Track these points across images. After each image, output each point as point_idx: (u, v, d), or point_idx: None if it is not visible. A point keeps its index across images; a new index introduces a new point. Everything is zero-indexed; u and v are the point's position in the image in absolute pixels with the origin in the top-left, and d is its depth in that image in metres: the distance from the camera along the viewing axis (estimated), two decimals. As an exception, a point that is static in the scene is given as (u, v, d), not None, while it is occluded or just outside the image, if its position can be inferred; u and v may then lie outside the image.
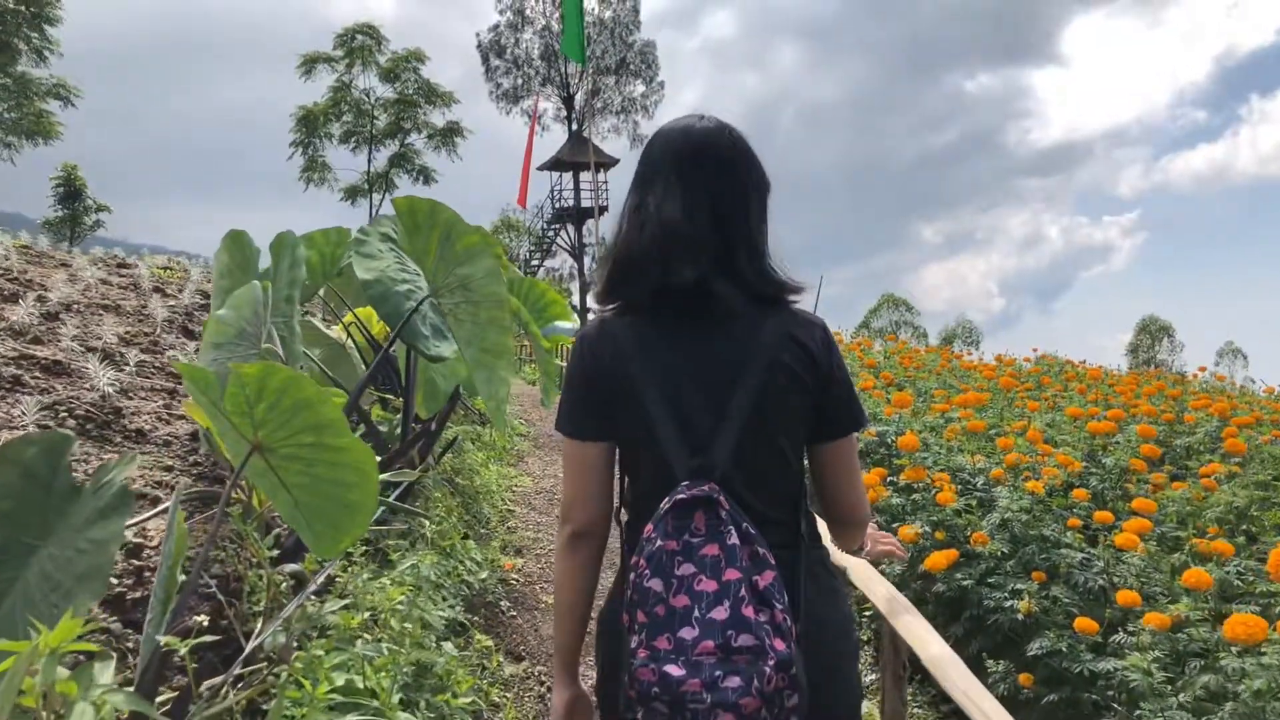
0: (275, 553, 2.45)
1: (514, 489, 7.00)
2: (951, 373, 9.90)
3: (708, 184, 1.56)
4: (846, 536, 1.71)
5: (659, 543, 1.40)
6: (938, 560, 3.85)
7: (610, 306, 1.61)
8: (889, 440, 5.25)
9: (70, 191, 31.52)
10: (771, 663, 1.31)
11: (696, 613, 1.35)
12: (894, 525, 4.73)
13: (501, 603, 4.68)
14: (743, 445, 1.48)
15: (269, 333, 3.13)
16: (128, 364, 4.34)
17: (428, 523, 4.32)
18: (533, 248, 42.17)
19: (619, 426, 1.55)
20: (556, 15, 43.39)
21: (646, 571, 1.39)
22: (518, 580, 5.12)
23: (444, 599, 3.84)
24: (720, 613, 1.34)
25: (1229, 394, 9.64)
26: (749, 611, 1.34)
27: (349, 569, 3.01)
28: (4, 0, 27.55)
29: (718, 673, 1.31)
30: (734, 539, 1.38)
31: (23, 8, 27.83)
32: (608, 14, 43.93)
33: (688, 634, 1.34)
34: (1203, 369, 13.30)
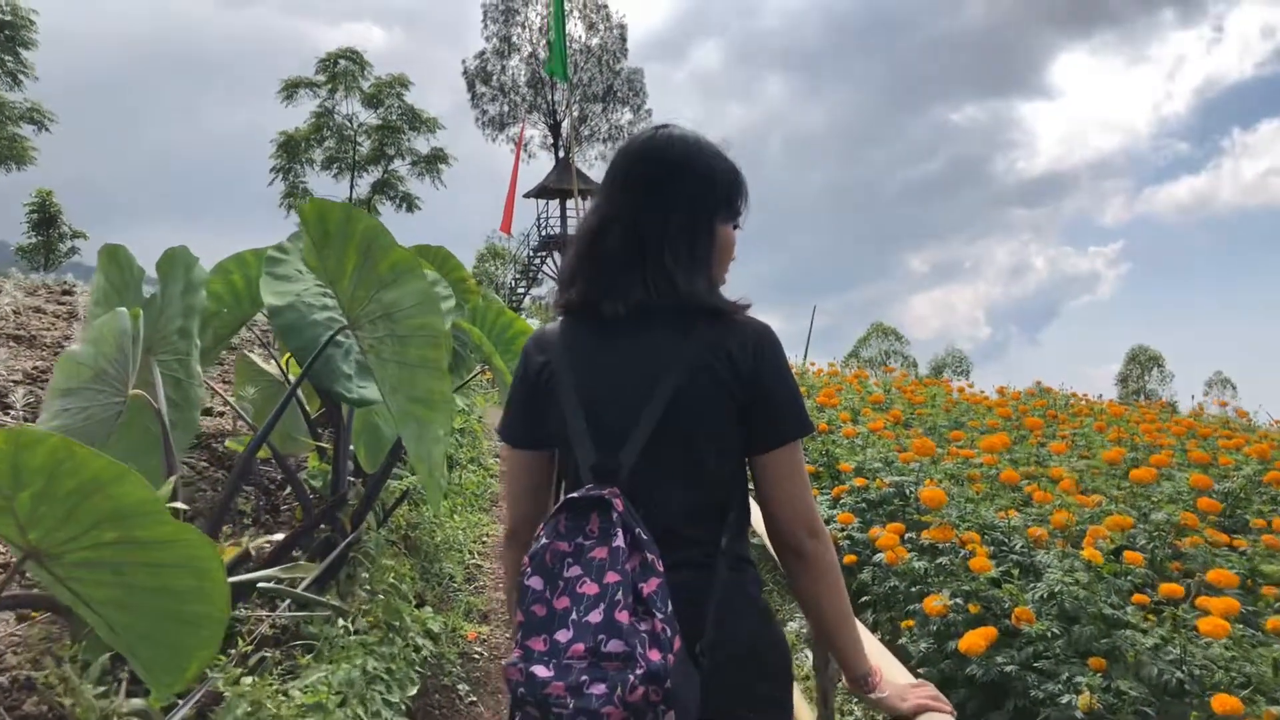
0: (108, 685, 1.77)
1: (485, 539, 6.32)
2: (961, 409, 9.29)
3: (629, 198, 1.54)
4: (799, 570, 1.53)
5: (543, 540, 1.38)
6: (974, 641, 3.20)
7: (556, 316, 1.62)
8: (908, 492, 4.61)
9: (45, 218, 30.82)
10: (640, 671, 1.25)
11: (574, 615, 1.31)
12: (915, 589, 4.09)
13: (460, 686, 4.00)
14: (652, 451, 1.45)
15: (151, 375, 2.47)
16: (13, 405, 3.67)
17: (379, 596, 3.65)
18: (518, 275, 41.59)
19: (547, 430, 1.55)
20: (543, 43, 43.15)
21: (528, 569, 1.37)
22: (480, 655, 4.44)
23: (386, 690, 3.18)
24: (595, 616, 1.29)
25: (1268, 433, 8.99)
26: (623, 616, 1.28)
27: (242, 679, 2.33)
28: (-23, 23, 26.99)
29: (583, 678, 1.26)
30: (619, 541, 1.34)
31: (-4, 31, 27.26)
32: (595, 41, 43.69)
33: (562, 636, 1.30)
34: (1223, 403, 12.72)
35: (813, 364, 14.00)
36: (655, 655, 1.27)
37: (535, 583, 1.36)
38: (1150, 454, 6.51)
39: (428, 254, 5.25)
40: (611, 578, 1.32)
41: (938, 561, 3.92)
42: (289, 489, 3.94)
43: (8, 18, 27.15)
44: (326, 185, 33.82)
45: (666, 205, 1.54)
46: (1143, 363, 64.46)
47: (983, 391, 12.95)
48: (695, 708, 1.32)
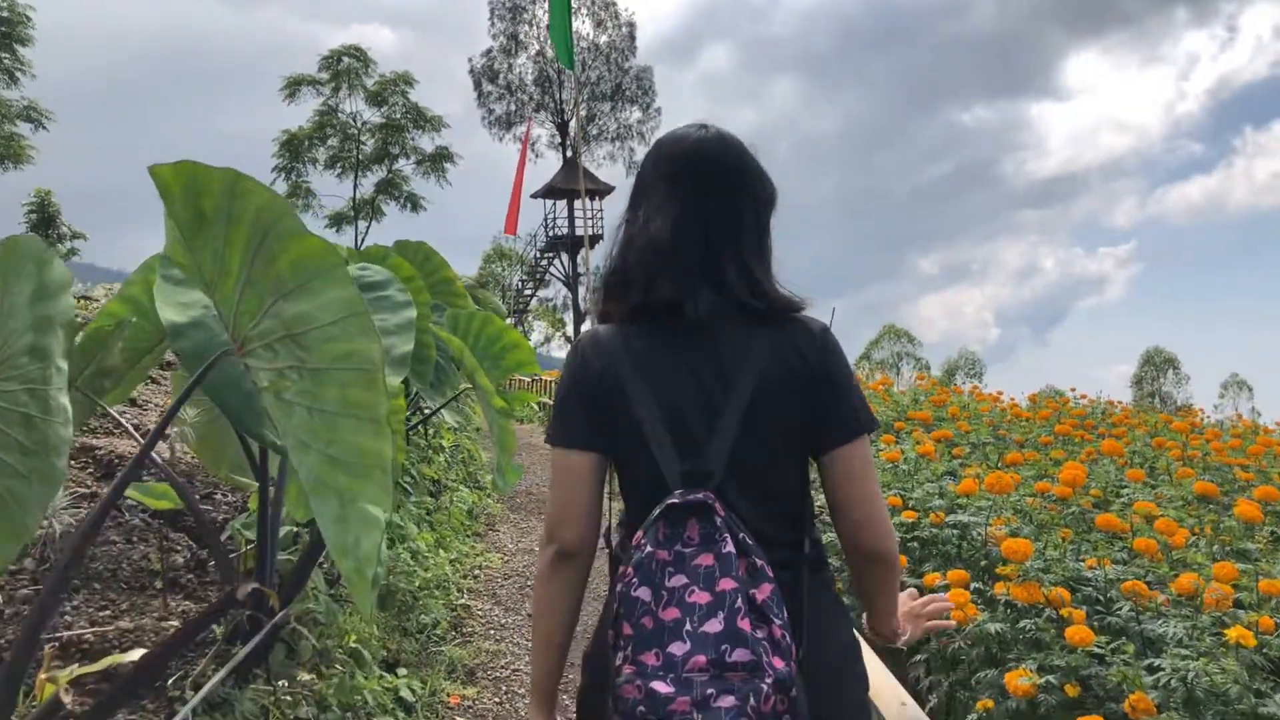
0: None
1: (476, 573, 5.60)
2: (995, 415, 8.56)
3: (699, 198, 1.51)
4: (872, 574, 1.51)
5: (648, 549, 1.32)
6: (1080, 738, 2.49)
7: (600, 320, 1.57)
8: (976, 535, 3.88)
9: (44, 218, 30.26)
10: (769, 680, 1.23)
11: (688, 626, 1.25)
12: (989, 654, 3.36)
13: (435, 773, 3.29)
14: (737, 453, 1.41)
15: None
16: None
17: (335, 668, 2.94)
18: (525, 277, 40.95)
19: (610, 436, 1.47)
20: (550, 41, 42.37)
21: (634, 580, 1.30)
22: (464, 727, 3.73)
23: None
24: (714, 625, 1.25)
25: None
26: (745, 625, 1.25)
27: None
28: (-28, 20, 26.44)
29: (710, 690, 1.21)
30: (729, 547, 1.30)
31: (-8, 27, 26.70)
32: (603, 39, 43.05)
33: (678, 649, 1.24)
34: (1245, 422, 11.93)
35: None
36: (779, 663, 1.25)
37: (644, 594, 1.29)
38: (1225, 478, 5.78)
39: (407, 250, 4.54)
40: (726, 584, 1.28)
41: (1020, 627, 3.19)
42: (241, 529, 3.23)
43: (4, 14, 26.58)
44: (330, 184, 33.24)
45: (737, 205, 1.52)
46: (1158, 364, 63.68)
47: (1013, 399, 12.21)
48: (807, 717, 1.28)
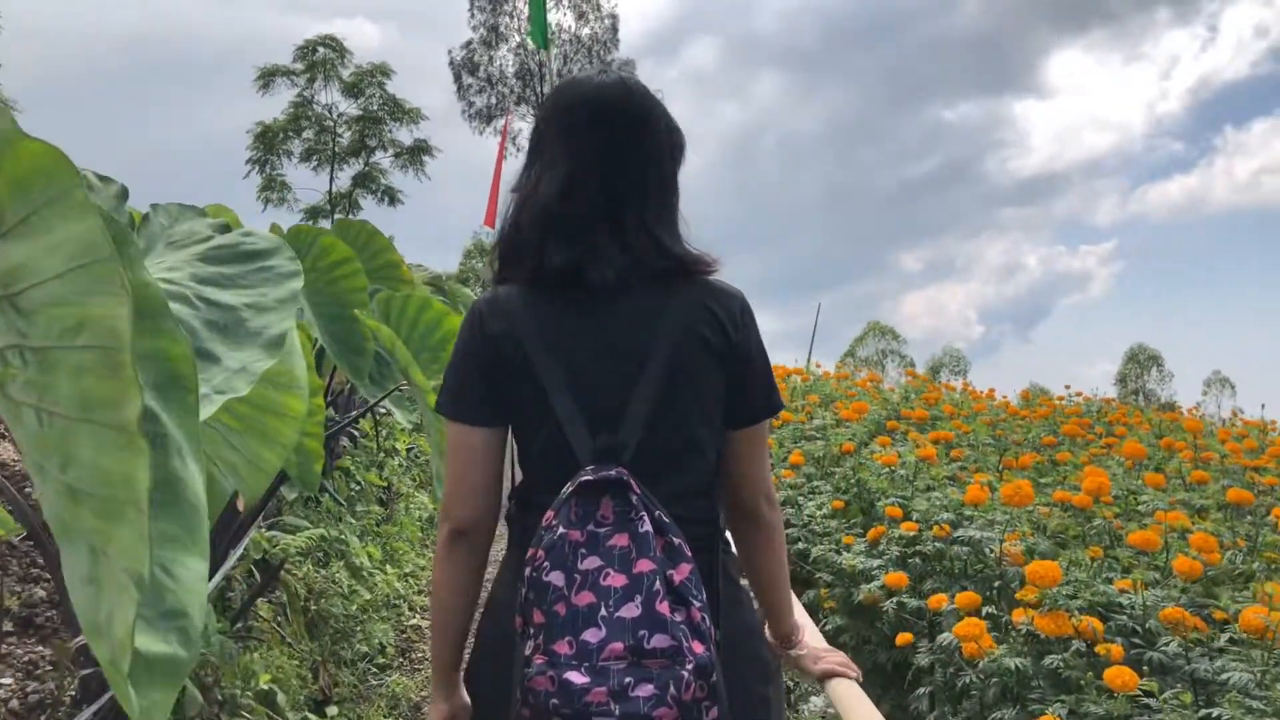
0: None
1: (427, 591, 5.11)
2: (992, 413, 8.12)
3: (598, 150, 1.41)
4: (753, 539, 1.51)
5: (560, 530, 1.24)
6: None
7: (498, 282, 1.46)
8: (988, 551, 3.40)
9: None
10: (690, 667, 1.17)
11: (603, 611, 1.18)
12: (1008, 689, 2.90)
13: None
14: (653, 425, 1.34)
15: None
16: None
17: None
18: (506, 273, 40.32)
19: (511, 406, 1.40)
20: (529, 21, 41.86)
21: (545, 564, 1.22)
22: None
23: None
24: (631, 610, 1.18)
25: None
26: (664, 608, 1.19)
27: None
28: (-68, 5, 25.69)
29: (627, 679, 1.15)
30: (646, 526, 1.24)
31: (-45, 14, 25.95)
32: (585, 32, 42.54)
33: (592, 636, 1.17)
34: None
35: (818, 365, 12.83)
36: (699, 648, 1.20)
37: (556, 578, 1.21)
38: (1239, 481, 5.36)
39: (346, 231, 4.04)
40: (643, 566, 1.21)
41: (1046, 663, 2.73)
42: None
43: (-34, 1, 25.78)
44: (305, 177, 32.57)
45: (642, 158, 1.43)
46: (1141, 362, 63.81)
47: (1005, 397, 11.78)
48: (725, 703, 1.22)
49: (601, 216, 1.39)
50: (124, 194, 2.01)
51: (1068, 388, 12.38)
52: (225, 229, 2.03)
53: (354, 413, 4.33)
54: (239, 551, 2.67)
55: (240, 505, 2.19)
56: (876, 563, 3.95)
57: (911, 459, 4.38)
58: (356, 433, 4.72)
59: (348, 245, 3.93)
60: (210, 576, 2.64)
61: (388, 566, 4.34)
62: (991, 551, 3.34)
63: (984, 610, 3.17)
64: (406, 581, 4.90)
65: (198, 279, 1.66)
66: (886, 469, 4.54)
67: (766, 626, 1.60)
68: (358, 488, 4.55)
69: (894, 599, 3.58)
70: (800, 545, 4.83)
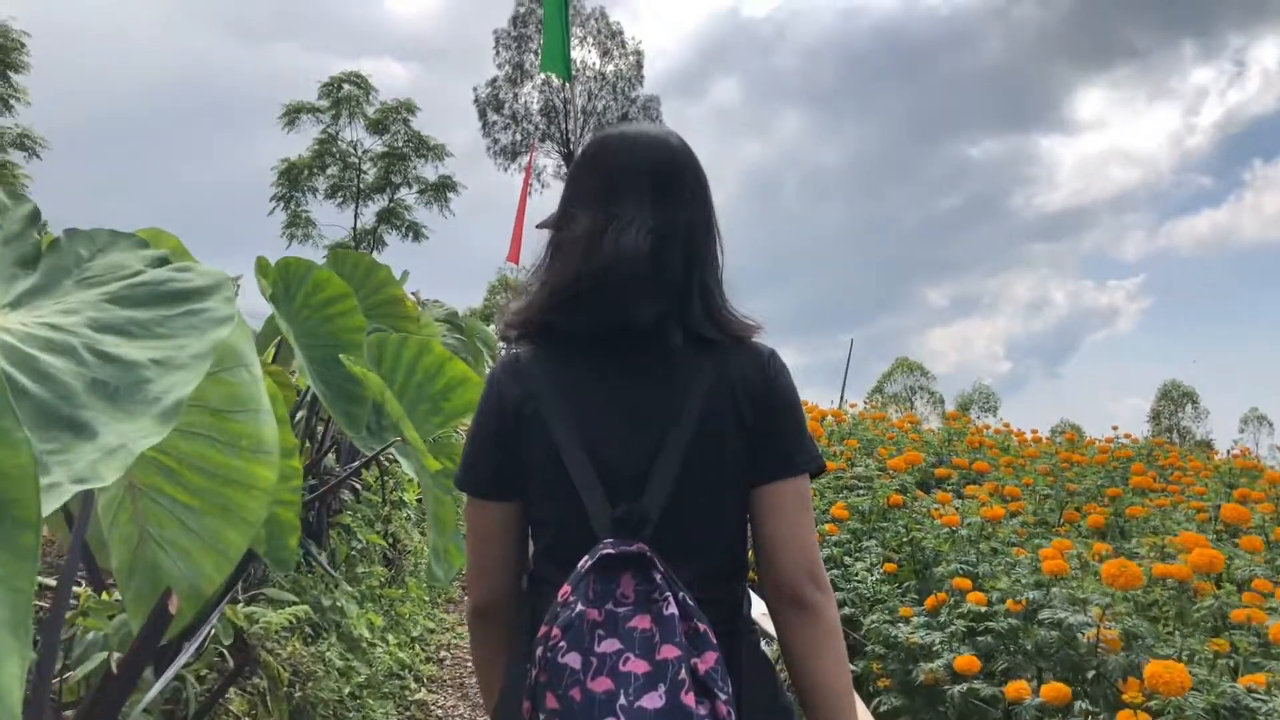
0: None
1: (445, 655, 4.65)
2: (1046, 459, 7.61)
3: (645, 203, 1.32)
4: (793, 626, 1.29)
5: (579, 608, 1.14)
6: None
7: (517, 341, 1.38)
8: (1080, 636, 2.91)
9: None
10: None
11: (622, 700, 1.09)
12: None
13: None
14: (677, 496, 1.25)
15: None
16: None
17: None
18: (530, 309, 40.11)
19: (529, 477, 1.31)
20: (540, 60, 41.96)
21: (562, 644, 1.13)
22: None
23: None
24: (653, 700, 1.09)
25: None
26: (689, 700, 1.09)
27: None
28: (-36, 47, 25.96)
29: None
30: (672, 608, 1.14)
31: (-15, 54, 26.19)
32: (609, 68, 42.59)
33: None
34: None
35: (852, 405, 12.33)
36: None
37: (573, 660, 1.12)
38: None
39: (344, 263, 3.65)
40: (668, 652, 1.12)
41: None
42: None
43: (-3, 40, 26.05)
44: (330, 213, 32.52)
45: (688, 211, 1.35)
46: (1175, 399, 62.66)
47: (1044, 436, 11.23)
48: None
49: (680, 277, 1.30)
50: (35, 216, 1.63)
51: (1115, 428, 11.83)
52: (162, 262, 1.63)
53: (355, 463, 3.91)
54: (197, 644, 2.24)
55: (172, 606, 1.77)
56: (938, 636, 3.48)
57: (976, 520, 3.91)
58: (359, 485, 4.30)
59: (343, 279, 3.55)
60: (159, 674, 2.21)
61: (389, 636, 3.90)
62: (1084, 636, 2.86)
63: (1077, 705, 2.70)
64: (414, 647, 4.46)
65: (98, 325, 1.26)
66: (947, 530, 4.06)
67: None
68: (359, 546, 4.14)
69: (963, 684, 3.11)
70: (847, 610, 4.36)
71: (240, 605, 2.84)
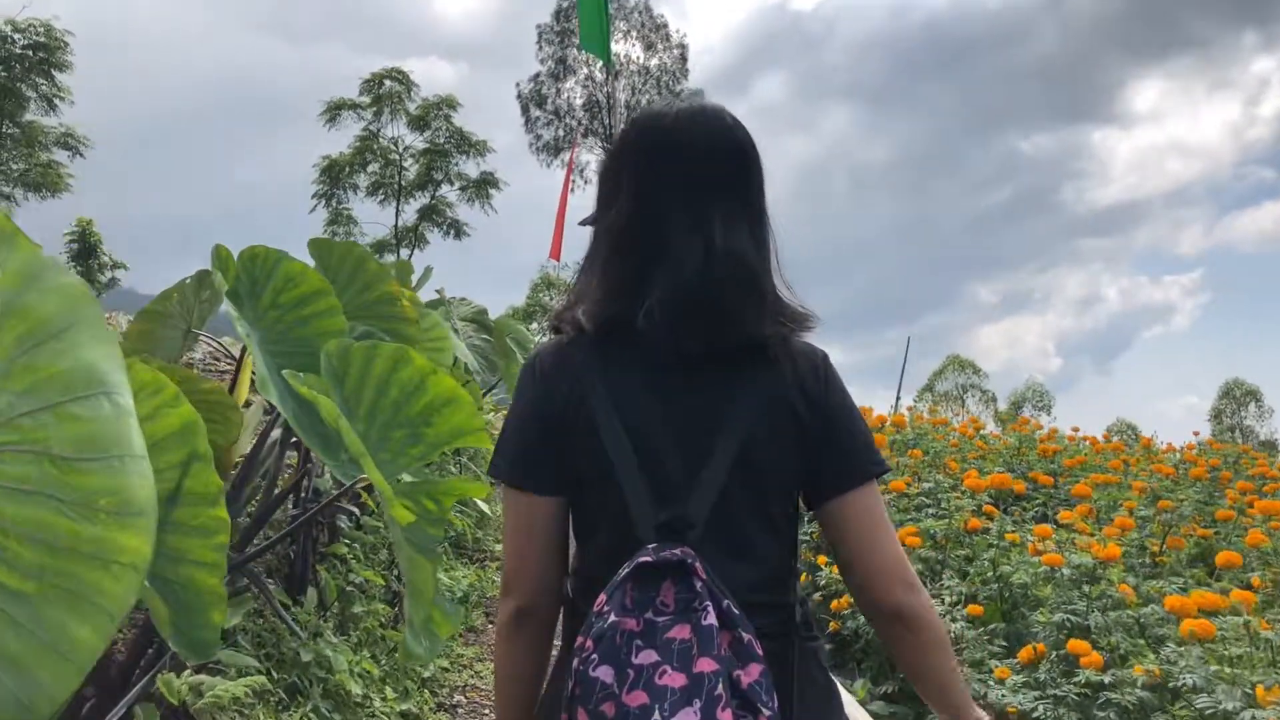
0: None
1: (458, 698, 4.09)
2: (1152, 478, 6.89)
3: (755, 199, 1.29)
4: (896, 637, 1.24)
5: (612, 619, 1.10)
6: None
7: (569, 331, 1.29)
8: (1232, 710, 2.27)
9: (85, 248, 29.78)
10: None
11: (656, 715, 1.04)
12: None
13: None
14: (726, 501, 1.20)
15: None
16: None
17: None
18: (573, 306, 39.70)
19: (570, 471, 1.25)
20: (599, 64, 41.56)
21: (594, 656, 1.08)
22: None
23: None
24: (688, 716, 1.04)
25: None
26: (726, 716, 1.04)
27: None
28: (10, 46, 26.04)
29: None
30: (711, 619, 1.09)
31: (30, 53, 26.25)
32: (654, 62, 41.93)
33: None
34: None
35: (910, 407, 11.62)
36: None
37: (605, 674, 1.07)
38: None
39: (329, 255, 3.10)
40: (705, 665, 1.06)
41: None
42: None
43: (41, 39, 26.09)
44: (371, 211, 32.28)
45: (761, 200, 1.30)
46: (1238, 397, 60.78)
47: (1118, 439, 10.44)
48: None
49: (754, 288, 1.24)
50: None
51: (1196, 434, 11.01)
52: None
53: (346, 485, 3.36)
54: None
55: None
56: (1044, 706, 2.85)
57: (1087, 561, 3.26)
58: (355, 510, 3.76)
59: (325, 274, 2.99)
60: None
61: (388, 688, 3.36)
62: (1231, 706, 2.21)
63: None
64: (423, 693, 3.91)
65: None
66: (1048, 570, 3.42)
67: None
68: (358, 580, 3.61)
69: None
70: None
71: (184, 674, 2.30)
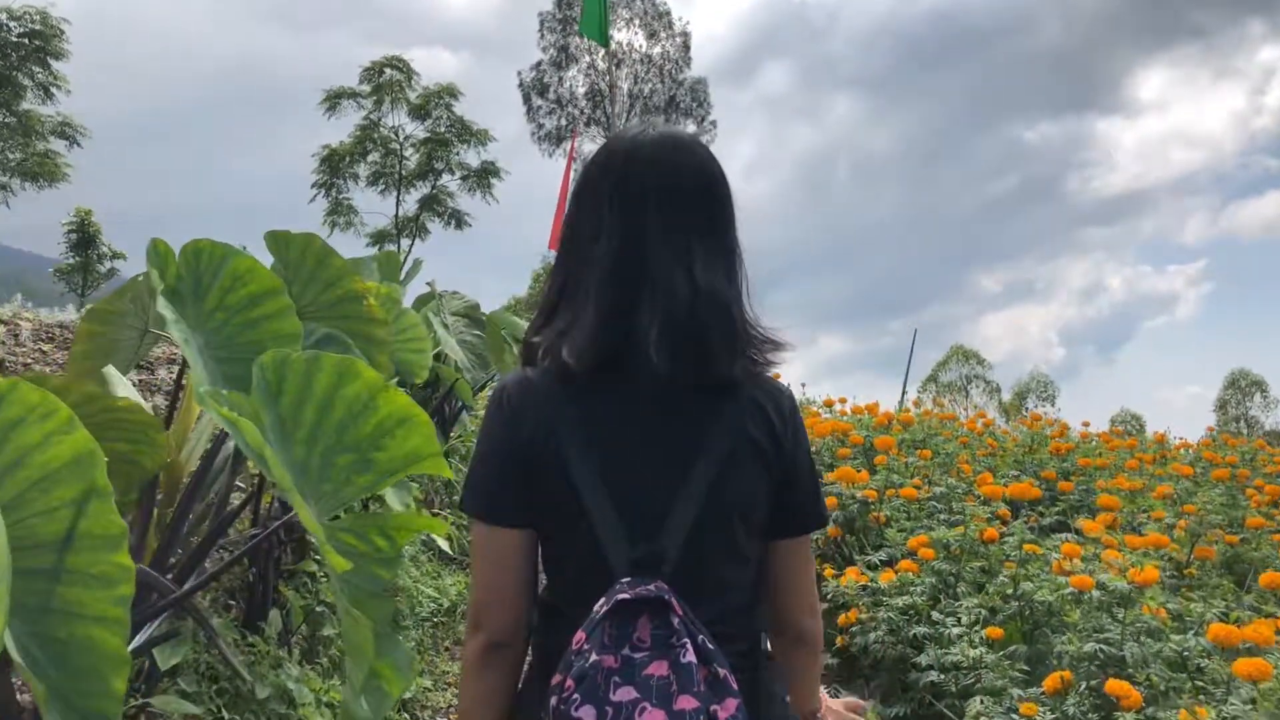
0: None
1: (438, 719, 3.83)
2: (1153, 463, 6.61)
3: (728, 233, 1.32)
4: (797, 655, 1.37)
5: (594, 657, 1.10)
6: None
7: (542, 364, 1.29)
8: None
9: (84, 238, 29.52)
10: None
11: None
12: None
13: None
14: (698, 534, 1.21)
15: None
16: None
17: None
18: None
19: (541, 507, 1.25)
20: (602, 53, 41.17)
21: (575, 696, 1.08)
22: None
23: None
24: None
25: None
26: None
27: None
28: (5, 33, 25.73)
29: None
30: (690, 655, 1.10)
31: (25, 40, 25.93)
32: (656, 50, 41.50)
33: None
34: None
35: (916, 402, 11.33)
36: None
37: (586, 714, 1.07)
38: None
39: (287, 249, 2.84)
40: (685, 703, 1.07)
41: None
42: None
43: (37, 27, 25.78)
44: (372, 201, 31.94)
45: (734, 232, 1.32)
46: (1243, 388, 60.46)
47: (1134, 437, 10.15)
48: None
49: (727, 326, 1.25)
50: None
51: (1210, 429, 10.72)
52: None
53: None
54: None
55: None
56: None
57: (1122, 586, 2.98)
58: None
59: (283, 271, 2.72)
60: None
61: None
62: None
63: None
64: (402, 716, 3.65)
65: None
66: (1074, 592, 3.15)
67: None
68: (329, 600, 3.35)
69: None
70: (933, 676, 3.48)
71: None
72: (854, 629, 4.11)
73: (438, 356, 6.47)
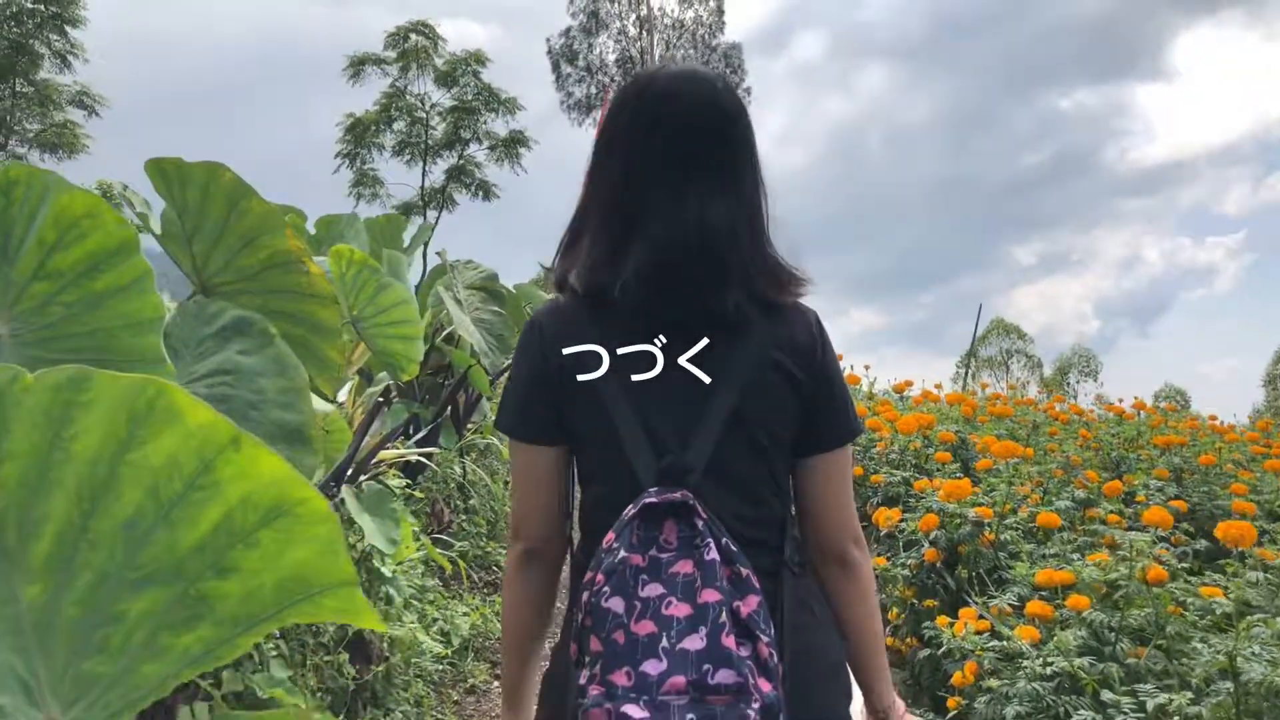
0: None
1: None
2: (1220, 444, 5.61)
3: (746, 172, 1.30)
4: (837, 580, 1.35)
5: (621, 554, 1.15)
6: None
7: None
8: None
9: (107, 211, 28.79)
10: (756, 705, 1.08)
11: (664, 642, 1.10)
12: None
13: None
14: (722, 449, 1.25)
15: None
16: None
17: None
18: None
19: (572, 426, 1.30)
20: (633, 18, 39.95)
21: (605, 589, 1.13)
22: None
23: None
24: (695, 642, 1.10)
25: None
26: (730, 642, 1.10)
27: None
28: (21, 0, 24.98)
29: (689, 716, 1.06)
30: (713, 554, 1.14)
31: (41, 7, 25.18)
32: (688, 15, 40.21)
33: (652, 668, 1.09)
34: None
35: (984, 384, 10.30)
36: (766, 685, 1.10)
37: (616, 604, 1.12)
38: None
39: (177, 183, 1.89)
40: (709, 596, 1.12)
41: None
42: None
43: (54, -7, 25.02)
44: (398, 171, 31.05)
45: (753, 172, 1.31)
46: (1293, 362, 58.59)
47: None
48: None
49: (726, 262, 1.25)
50: None
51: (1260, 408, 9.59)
52: None
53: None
54: None
55: None
56: None
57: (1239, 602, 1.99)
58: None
59: (177, 220, 1.80)
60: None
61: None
62: None
63: None
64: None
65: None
66: (1212, 608, 2.18)
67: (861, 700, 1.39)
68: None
69: None
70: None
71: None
72: (972, 691, 3.17)
73: (449, 339, 5.56)
